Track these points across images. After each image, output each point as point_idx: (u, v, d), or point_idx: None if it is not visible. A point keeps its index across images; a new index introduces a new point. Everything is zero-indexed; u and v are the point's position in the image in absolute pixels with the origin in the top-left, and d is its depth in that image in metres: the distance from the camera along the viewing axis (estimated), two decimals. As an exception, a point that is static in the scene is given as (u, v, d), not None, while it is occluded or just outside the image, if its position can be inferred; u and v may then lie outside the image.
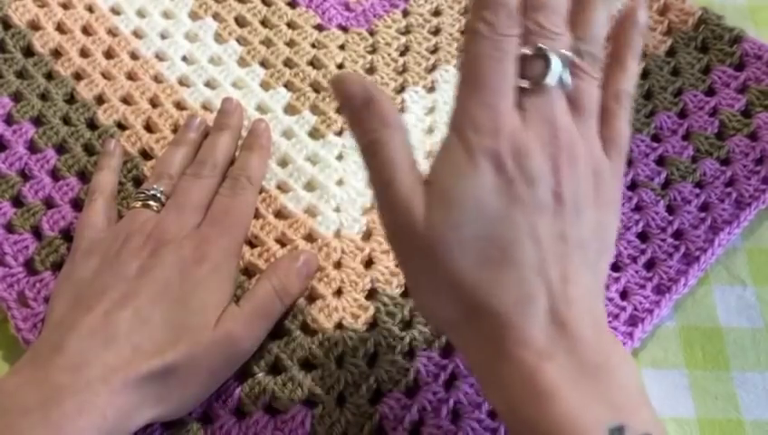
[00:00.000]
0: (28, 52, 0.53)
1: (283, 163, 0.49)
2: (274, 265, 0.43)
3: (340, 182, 0.48)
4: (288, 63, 0.54)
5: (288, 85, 0.53)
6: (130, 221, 0.43)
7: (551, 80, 0.32)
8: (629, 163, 0.49)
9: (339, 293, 0.44)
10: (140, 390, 0.35)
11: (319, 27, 0.56)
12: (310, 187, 0.48)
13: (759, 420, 0.42)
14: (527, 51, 0.32)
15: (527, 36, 0.32)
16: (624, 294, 0.44)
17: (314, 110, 0.52)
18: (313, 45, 0.55)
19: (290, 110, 0.52)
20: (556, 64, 0.32)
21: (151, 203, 0.44)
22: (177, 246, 0.40)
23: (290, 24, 0.56)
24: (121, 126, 0.50)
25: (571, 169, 0.32)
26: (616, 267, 0.45)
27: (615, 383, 0.31)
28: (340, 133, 0.51)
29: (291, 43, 0.55)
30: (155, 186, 0.45)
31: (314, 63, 0.54)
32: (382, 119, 0.32)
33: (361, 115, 0.32)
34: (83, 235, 0.43)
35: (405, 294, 0.43)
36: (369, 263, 0.45)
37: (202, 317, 0.38)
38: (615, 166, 0.34)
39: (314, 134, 0.51)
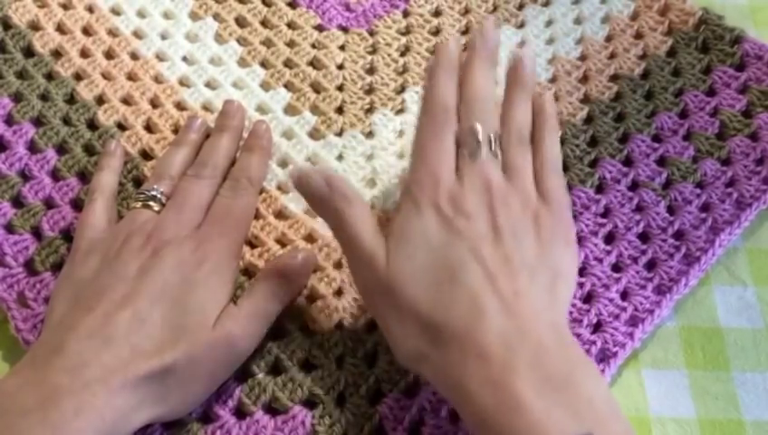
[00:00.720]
0: (28, 52, 0.53)
1: (284, 164, 0.49)
2: (272, 264, 0.43)
3: (340, 182, 0.48)
4: (288, 64, 0.54)
5: (288, 86, 0.53)
6: (130, 221, 0.43)
7: (482, 151, 0.39)
8: (630, 163, 0.49)
9: (339, 293, 0.44)
10: (139, 390, 0.35)
11: (319, 28, 0.56)
12: (310, 187, 0.48)
13: (759, 421, 0.42)
14: (465, 128, 0.40)
15: (465, 116, 0.40)
16: (625, 295, 0.44)
17: (314, 110, 0.52)
18: (314, 46, 0.55)
19: (290, 110, 0.52)
20: (486, 140, 0.40)
21: (151, 204, 0.44)
22: (177, 246, 0.40)
23: (290, 25, 0.56)
24: (122, 126, 0.50)
25: (506, 209, 0.38)
26: (617, 268, 0.45)
27: (582, 394, 0.32)
28: (340, 134, 0.51)
29: (291, 44, 0.55)
30: (155, 186, 0.45)
31: (314, 64, 0.54)
32: (343, 195, 0.38)
33: (327, 195, 0.39)
34: (83, 235, 0.43)
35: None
36: (369, 263, 0.45)
37: (201, 317, 0.38)
38: (555, 211, 0.39)
39: (314, 134, 0.51)
